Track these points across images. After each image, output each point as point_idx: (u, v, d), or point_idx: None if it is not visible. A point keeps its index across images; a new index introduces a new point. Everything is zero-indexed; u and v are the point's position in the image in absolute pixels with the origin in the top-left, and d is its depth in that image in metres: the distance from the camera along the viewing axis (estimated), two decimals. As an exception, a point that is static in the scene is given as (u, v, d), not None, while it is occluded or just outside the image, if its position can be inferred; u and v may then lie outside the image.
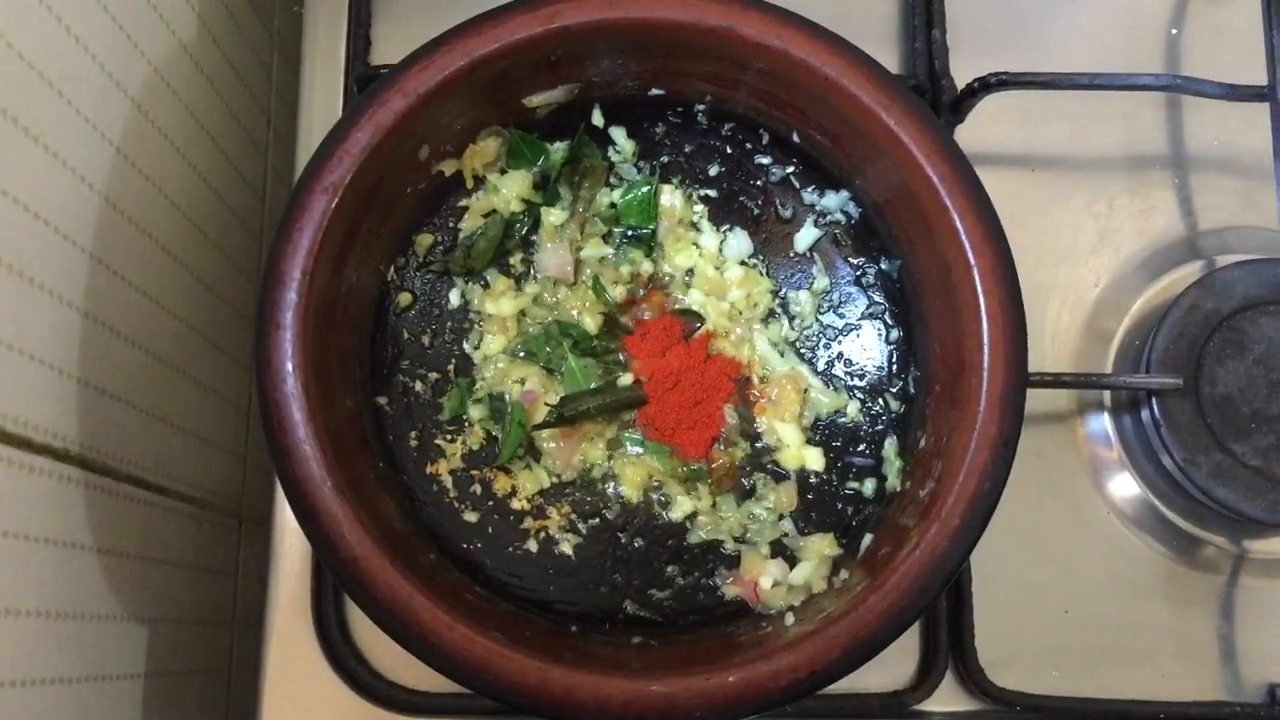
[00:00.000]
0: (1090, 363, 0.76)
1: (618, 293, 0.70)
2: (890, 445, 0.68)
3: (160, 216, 0.73)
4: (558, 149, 0.70)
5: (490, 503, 0.67)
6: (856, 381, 0.69)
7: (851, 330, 0.70)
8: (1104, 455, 0.76)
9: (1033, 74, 0.75)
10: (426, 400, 0.69)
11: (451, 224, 0.70)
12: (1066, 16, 0.82)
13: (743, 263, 0.71)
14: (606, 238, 0.71)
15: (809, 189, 0.71)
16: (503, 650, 0.58)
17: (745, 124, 0.71)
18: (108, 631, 0.67)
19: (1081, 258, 0.78)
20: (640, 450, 0.68)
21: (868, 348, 0.70)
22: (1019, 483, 0.69)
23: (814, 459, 0.68)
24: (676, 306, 0.70)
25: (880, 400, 0.69)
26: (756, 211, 0.71)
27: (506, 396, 0.68)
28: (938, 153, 0.63)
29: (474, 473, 0.68)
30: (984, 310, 0.61)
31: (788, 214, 0.71)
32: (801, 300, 0.70)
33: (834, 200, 0.71)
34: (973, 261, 0.62)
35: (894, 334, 0.70)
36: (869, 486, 0.68)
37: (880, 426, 0.69)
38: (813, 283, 0.70)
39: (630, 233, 0.70)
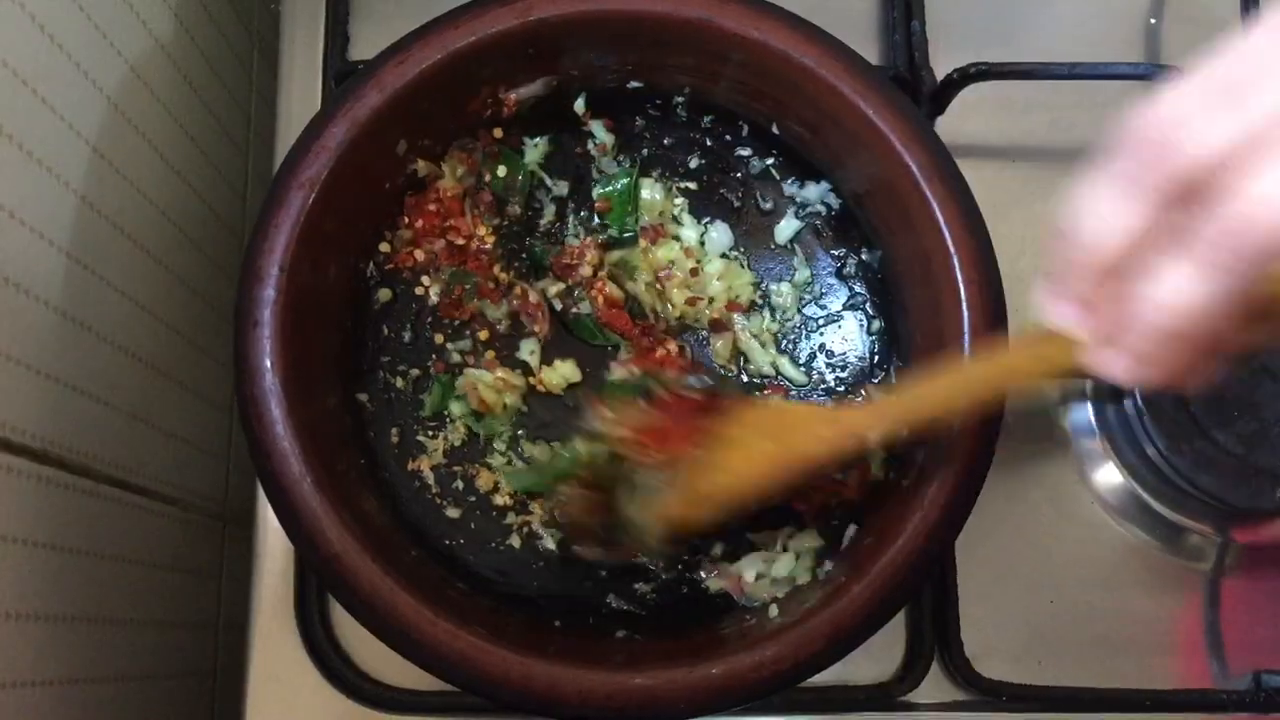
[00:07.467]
0: (1073, 352, 0.76)
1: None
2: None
3: (139, 216, 0.73)
4: (537, 144, 0.70)
5: (472, 498, 0.67)
6: (839, 373, 0.69)
7: (833, 321, 0.70)
8: (1087, 445, 0.75)
9: (1012, 64, 0.74)
10: (407, 396, 0.68)
11: (431, 220, 0.70)
12: (1046, 7, 0.82)
13: (724, 255, 0.71)
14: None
15: (789, 181, 0.71)
16: (485, 645, 0.57)
17: (725, 116, 0.71)
18: (89, 634, 0.66)
19: (1063, 248, 0.78)
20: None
21: (849, 339, 0.70)
22: (1003, 474, 0.70)
23: (797, 451, 0.68)
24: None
25: (863, 391, 0.69)
26: (737, 204, 0.71)
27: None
28: (917, 143, 0.63)
29: (456, 469, 0.68)
30: (964, 300, 0.61)
31: (768, 206, 0.71)
32: (783, 292, 0.70)
33: (814, 191, 0.71)
34: (953, 251, 0.62)
35: (875, 324, 0.69)
36: (852, 477, 0.67)
37: (863, 418, 0.68)
38: (794, 274, 0.70)
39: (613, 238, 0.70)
